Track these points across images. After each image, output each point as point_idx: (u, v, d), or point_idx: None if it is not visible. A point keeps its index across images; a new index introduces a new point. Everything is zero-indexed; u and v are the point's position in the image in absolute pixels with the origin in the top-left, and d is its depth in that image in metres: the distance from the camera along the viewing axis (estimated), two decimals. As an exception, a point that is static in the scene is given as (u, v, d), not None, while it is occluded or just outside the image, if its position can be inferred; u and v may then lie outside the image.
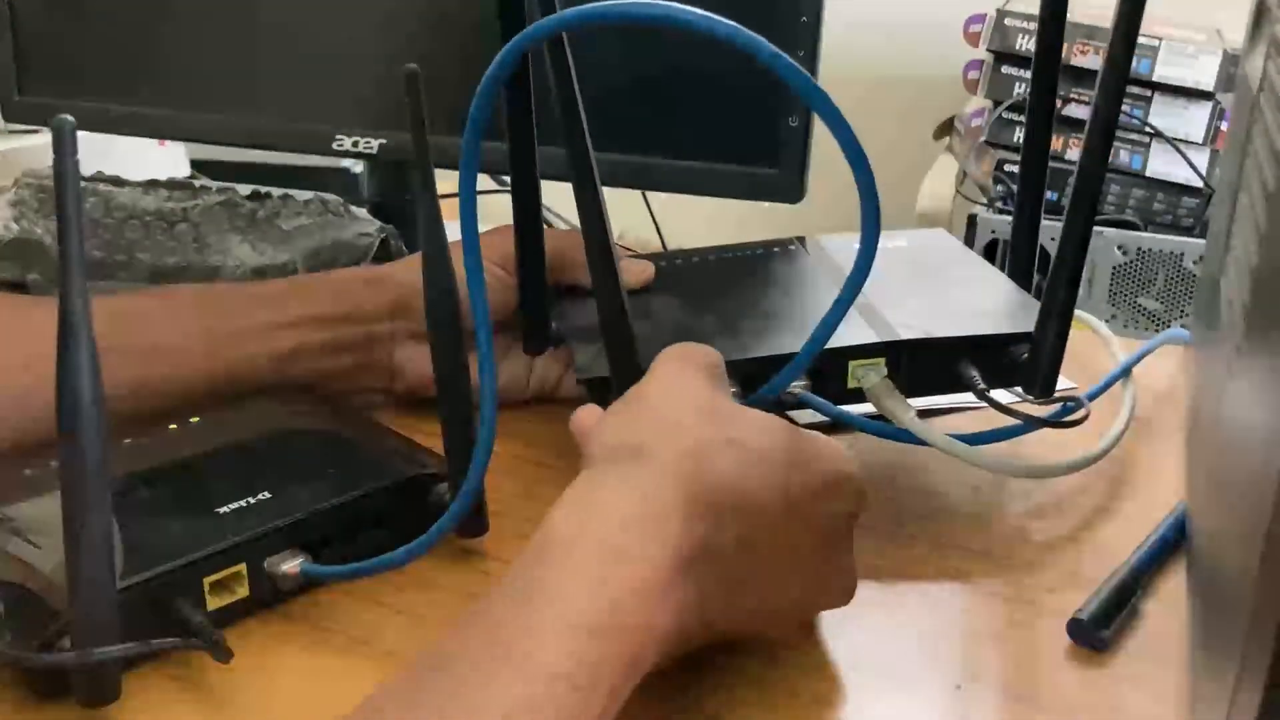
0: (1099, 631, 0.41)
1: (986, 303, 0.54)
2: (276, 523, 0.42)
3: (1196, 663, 0.37)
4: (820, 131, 0.57)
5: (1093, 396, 0.53)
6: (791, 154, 0.58)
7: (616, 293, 0.45)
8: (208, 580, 0.41)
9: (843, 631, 0.43)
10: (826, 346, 0.44)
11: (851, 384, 0.49)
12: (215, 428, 0.50)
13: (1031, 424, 0.48)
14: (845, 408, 0.49)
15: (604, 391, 0.48)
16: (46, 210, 0.67)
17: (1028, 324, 0.48)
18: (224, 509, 0.43)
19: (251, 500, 0.43)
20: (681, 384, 0.40)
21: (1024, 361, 0.48)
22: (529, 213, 0.53)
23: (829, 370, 0.48)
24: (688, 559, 0.35)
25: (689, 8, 0.38)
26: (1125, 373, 0.58)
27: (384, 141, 0.68)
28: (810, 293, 0.57)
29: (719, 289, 0.57)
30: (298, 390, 0.55)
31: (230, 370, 0.53)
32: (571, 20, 0.40)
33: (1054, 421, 0.49)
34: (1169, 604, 0.44)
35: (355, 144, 0.69)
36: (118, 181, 0.70)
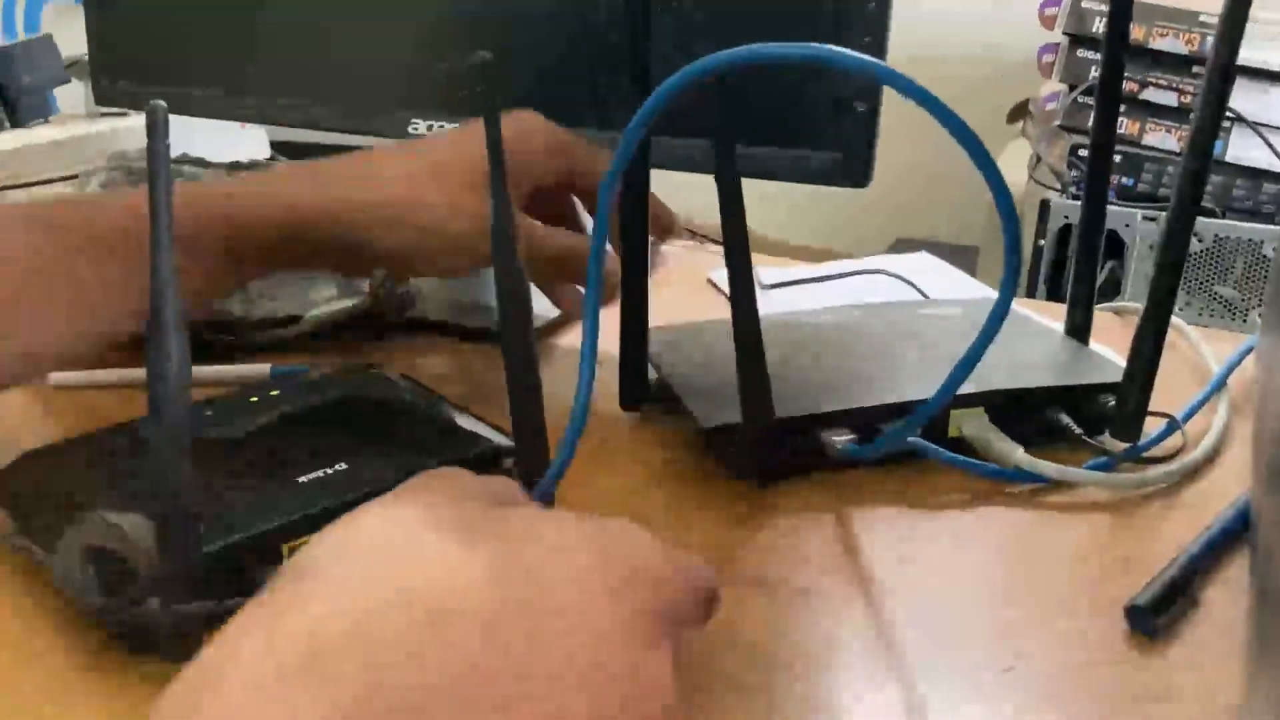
0: (1155, 618, 0.42)
1: (1060, 356, 0.60)
2: (351, 494, 0.44)
3: (1252, 652, 0.38)
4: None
5: (1186, 417, 0.56)
6: (858, 139, 0.58)
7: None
8: (286, 546, 0.43)
9: (895, 606, 0.43)
10: (926, 398, 0.48)
11: (952, 433, 0.53)
12: (292, 399, 0.52)
13: (1130, 455, 0.53)
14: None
15: (727, 443, 0.51)
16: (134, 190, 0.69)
17: (1110, 375, 0.54)
18: (303, 478, 0.45)
19: (329, 471, 0.45)
20: (405, 495, 0.35)
21: (1110, 409, 0.53)
22: (637, 250, 0.55)
23: (932, 420, 0.50)
24: (383, 705, 0.26)
25: (845, 50, 0.40)
26: (1219, 385, 0.60)
27: (456, 127, 0.70)
28: (886, 344, 0.61)
29: (815, 342, 0.61)
30: (369, 365, 0.56)
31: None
32: (730, 61, 0.41)
33: (1154, 458, 0.54)
34: (1229, 593, 0.44)
35: (430, 128, 0.71)
36: (202, 163, 0.72)
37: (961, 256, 0.88)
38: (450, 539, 0.31)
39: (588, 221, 0.63)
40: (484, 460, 0.48)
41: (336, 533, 0.32)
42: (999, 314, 0.43)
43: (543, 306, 0.71)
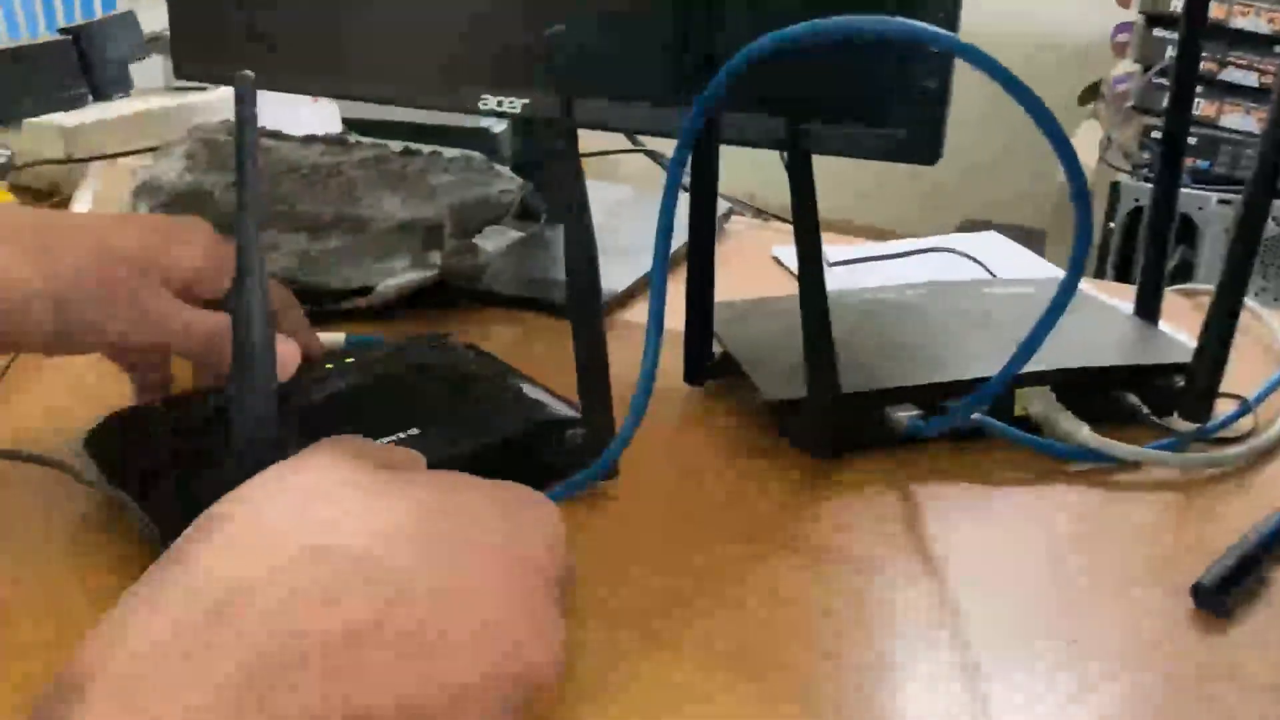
0: (1222, 597, 0.41)
1: (1129, 336, 0.59)
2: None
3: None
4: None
5: (1259, 400, 0.56)
6: (926, 116, 0.58)
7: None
8: None
9: (958, 580, 0.44)
10: (991, 375, 0.48)
11: (1018, 411, 0.53)
12: (367, 367, 0.53)
13: (1199, 435, 0.53)
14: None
15: (791, 417, 0.52)
16: (216, 163, 0.71)
17: (1179, 355, 0.54)
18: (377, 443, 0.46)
19: (402, 435, 0.46)
20: (311, 454, 0.35)
21: (1180, 390, 0.53)
22: (704, 225, 0.55)
23: (997, 397, 0.51)
24: (293, 651, 0.28)
25: (921, 23, 0.40)
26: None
27: (527, 102, 0.71)
28: (952, 321, 0.60)
29: (880, 318, 0.61)
30: (442, 335, 0.58)
31: None
32: (804, 34, 0.42)
33: (1222, 438, 0.54)
34: (1298, 574, 0.44)
35: (500, 104, 0.72)
36: (279, 136, 0.74)
37: (1028, 240, 0.87)
38: (363, 497, 0.32)
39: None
40: (550, 428, 0.49)
41: (250, 488, 0.33)
42: (1068, 289, 0.43)
43: (609, 283, 0.71)
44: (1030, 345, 0.45)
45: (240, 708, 0.26)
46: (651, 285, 0.47)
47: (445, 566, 0.32)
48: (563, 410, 0.50)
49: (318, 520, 0.31)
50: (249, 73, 0.37)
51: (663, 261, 0.47)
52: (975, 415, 0.51)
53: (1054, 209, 1.98)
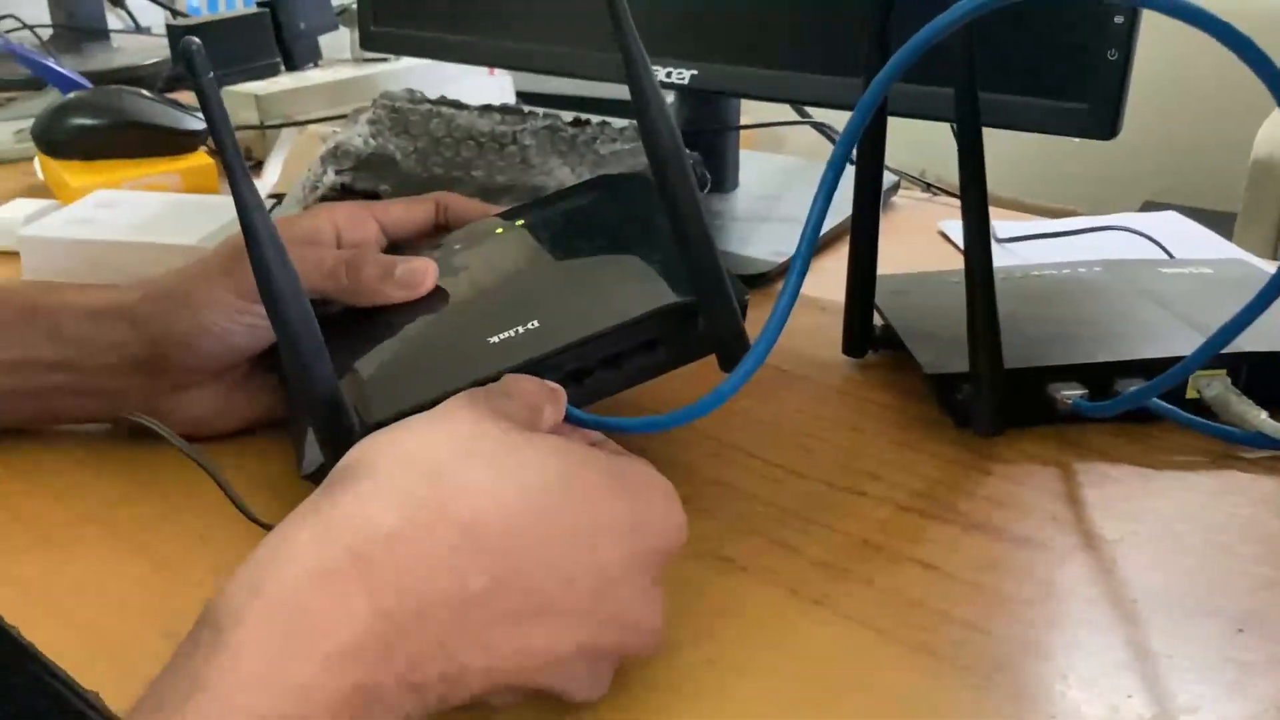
0: (1405, 593, 0.40)
1: None
2: (529, 356, 0.44)
3: None
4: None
5: None
6: (1107, 88, 0.56)
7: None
8: None
9: (1121, 562, 0.43)
10: (1166, 356, 0.47)
11: (1190, 394, 0.51)
12: (529, 232, 0.53)
13: None
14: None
15: (952, 392, 0.52)
16: (398, 129, 0.74)
17: None
18: (495, 339, 0.45)
19: (520, 330, 0.45)
20: (454, 413, 0.36)
21: None
22: (869, 197, 0.55)
23: (1173, 383, 0.49)
24: (413, 608, 0.30)
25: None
26: None
27: (695, 72, 0.72)
28: (1124, 300, 0.59)
29: (1048, 295, 0.60)
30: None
31: None
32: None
33: None
34: None
35: (669, 74, 0.73)
36: (458, 105, 0.77)
37: (1217, 222, 0.83)
38: (489, 466, 0.34)
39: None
40: (679, 314, 0.45)
41: (397, 440, 0.35)
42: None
43: (772, 251, 0.72)
44: (1228, 333, 0.44)
45: (365, 654, 0.29)
46: (804, 230, 0.45)
47: (560, 543, 0.33)
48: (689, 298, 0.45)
49: (448, 489, 0.33)
50: (195, 39, 0.36)
51: (821, 210, 0.46)
52: (1150, 400, 0.50)
53: (1247, 191, 1.87)
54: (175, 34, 1.03)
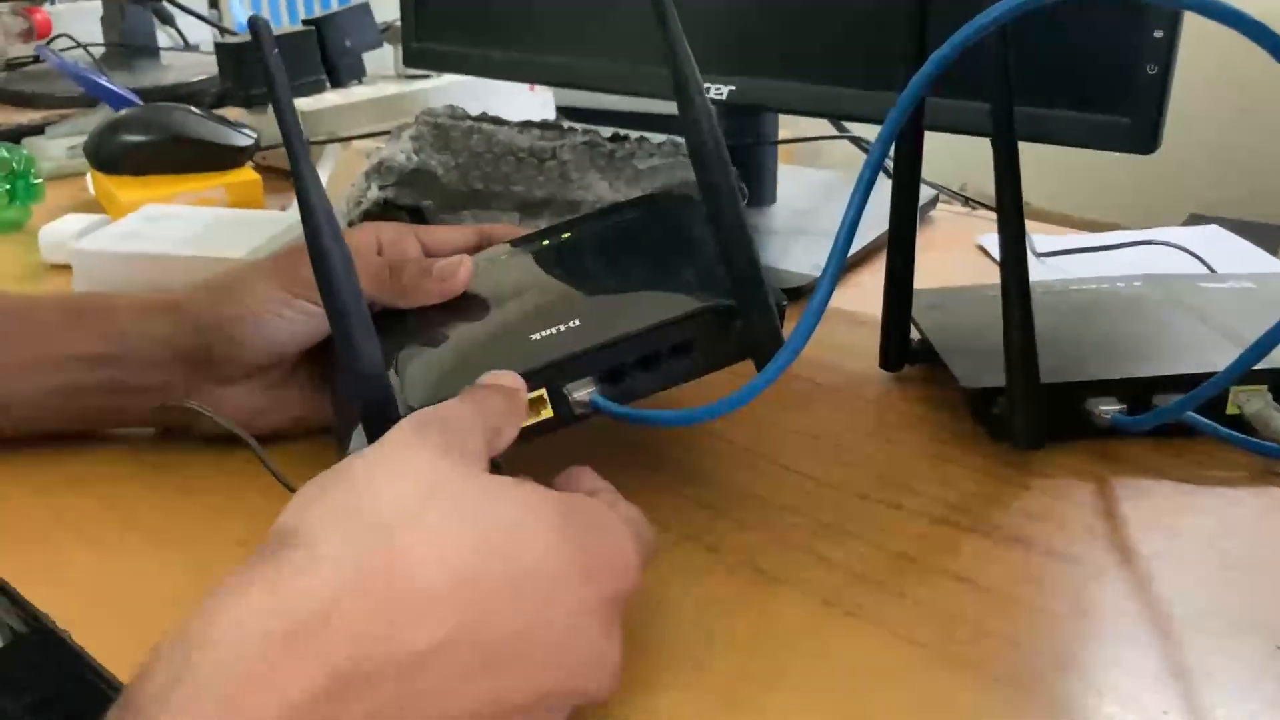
0: None
1: None
2: (569, 351, 0.44)
3: None
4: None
5: None
6: (1146, 102, 0.56)
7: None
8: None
9: (1158, 577, 0.43)
10: (1205, 371, 0.46)
11: (1231, 410, 0.51)
12: (570, 246, 0.55)
13: None
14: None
15: (989, 406, 0.51)
16: (440, 144, 0.75)
17: None
18: (536, 335, 0.46)
19: (561, 328, 0.46)
20: (403, 454, 0.34)
21: None
22: (905, 210, 0.55)
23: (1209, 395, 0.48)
24: (357, 678, 0.29)
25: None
26: None
27: (733, 88, 0.72)
28: (1163, 315, 0.58)
29: (1086, 309, 0.60)
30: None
31: None
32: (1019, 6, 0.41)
33: None
34: None
35: (707, 90, 0.73)
36: (498, 121, 0.78)
37: (1267, 234, 0.82)
38: (439, 522, 0.32)
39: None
40: (716, 317, 0.46)
41: (338, 492, 0.33)
42: None
43: (808, 265, 0.72)
44: (1265, 345, 0.43)
45: (318, 715, 0.28)
46: (839, 231, 0.45)
47: (510, 598, 0.32)
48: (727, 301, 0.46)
49: (395, 551, 0.31)
50: (261, 15, 0.38)
51: (858, 206, 0.46)
52: (1186, 413, 0.50)
53: (1295, 205, 1.85)
54: (223, 52, 1.05)
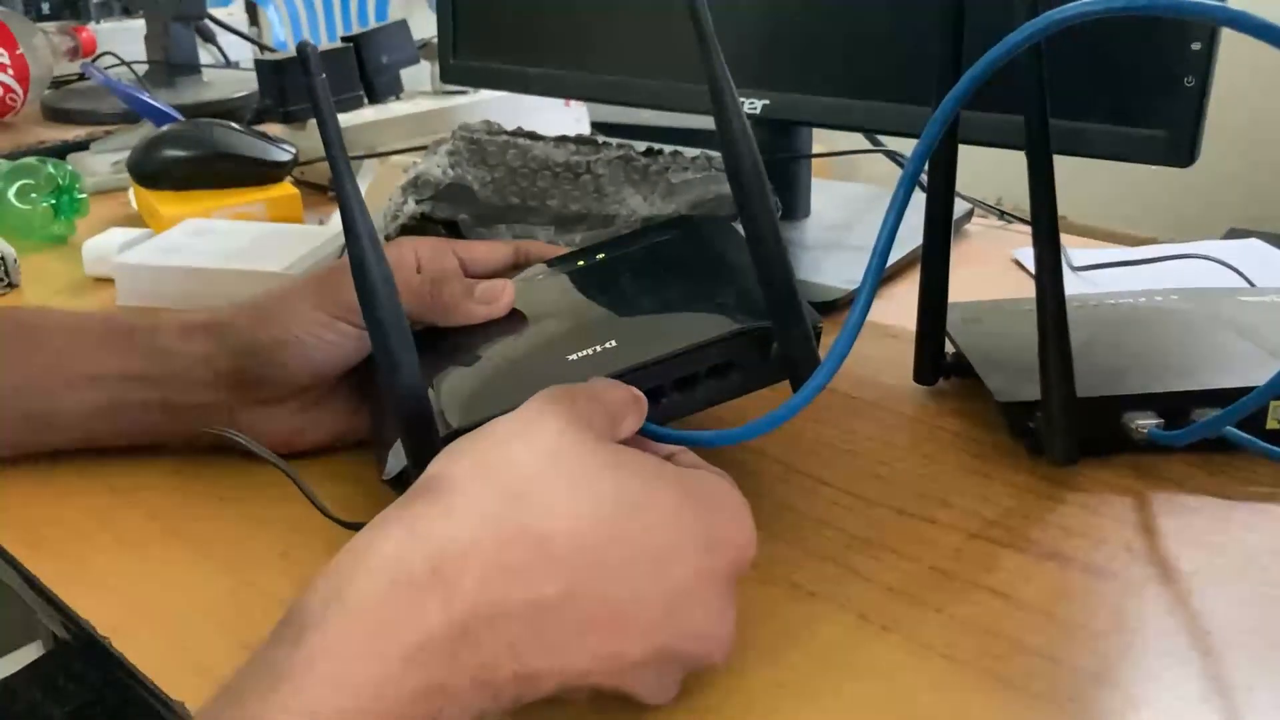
0: None
1: None
2: (606, 372, 0.44)
3: None
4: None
5: None
6: (1184, 116, 0.56)
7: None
8: None
9: (1196, 593, 0.43)
10: (1244, 385, 0.45)
11: (1271, 425, 0.50)
12: (606, 268, 0.55)
13: None
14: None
15: (1024, 420, 0.51)
16: (476, 159, 0.76)
17: None
18: (573, 356, 0.47)
19: (599, 349, 0.47)
20: (536, 420, 0.37)
21: None
22: (940, 224, 0.55)
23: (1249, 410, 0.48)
24: (486, 614, 0.32)
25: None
26: None
27: (767, 102, 0.72)
28: (1201, 329, 0.58)
29: (1124, 323, 0.59)
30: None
31: (34, 422, 0.52)
32: (1054, 21, 0.41)
33: None
34: None
35: (740, 104, 0.74)
36: (534, 136, 0.78)
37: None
38: (568, 484, 0.35)
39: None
40: (753, 338, 0.46)
41: (479, 449, 0.36)
42: None
43: (842, 279, 0.72)
44: None
45: (439, 656, 0.31)
46: (875, 248, 0.46)
47: (632, 560, 0.34)
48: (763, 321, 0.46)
49: (526, 507, 0.34)
50: (309, 40, 0.39)
51: (894, 224, 0.46)
52: (1227, 428, 0.49)
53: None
54: (263, 69, 1.06)
